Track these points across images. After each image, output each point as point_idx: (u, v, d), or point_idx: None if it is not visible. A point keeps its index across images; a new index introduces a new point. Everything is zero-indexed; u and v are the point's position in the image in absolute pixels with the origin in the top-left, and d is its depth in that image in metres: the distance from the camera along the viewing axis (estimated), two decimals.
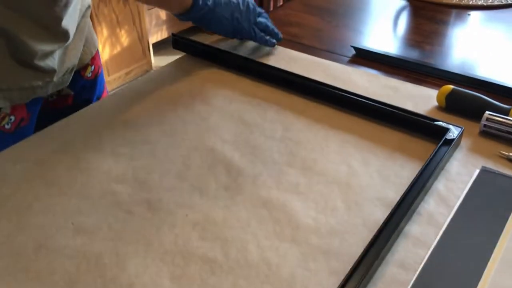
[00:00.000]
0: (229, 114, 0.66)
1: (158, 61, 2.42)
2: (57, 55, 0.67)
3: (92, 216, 0.50)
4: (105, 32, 2.05)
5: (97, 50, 0.83)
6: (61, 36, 0.65)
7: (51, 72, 0.68)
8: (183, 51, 0.80)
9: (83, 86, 0.80)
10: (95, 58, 0.81)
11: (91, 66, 0.80)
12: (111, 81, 2.15)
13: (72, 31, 0.67)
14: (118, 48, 2.14)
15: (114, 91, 0.74)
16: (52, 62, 0.67)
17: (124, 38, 2.15)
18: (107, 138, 0.61)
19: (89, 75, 0.81)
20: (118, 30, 2.11)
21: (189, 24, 2.58)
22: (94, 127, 0.63)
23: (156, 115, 0.65)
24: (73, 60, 0.72)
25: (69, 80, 0.74)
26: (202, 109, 0.67)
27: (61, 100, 0.79)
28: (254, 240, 0.47)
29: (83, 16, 0.73)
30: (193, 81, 0.72)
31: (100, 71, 0.84)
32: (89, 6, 0.75)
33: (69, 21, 0.66)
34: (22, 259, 0.45)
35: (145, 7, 2.19)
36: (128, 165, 0.57)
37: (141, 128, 0.63)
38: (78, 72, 0.78)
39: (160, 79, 0.73)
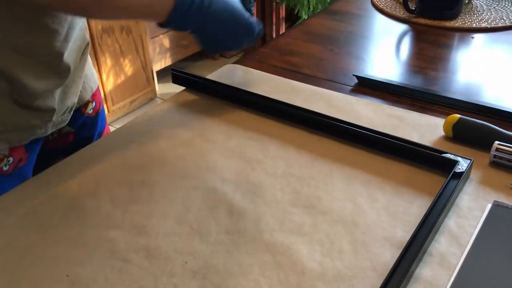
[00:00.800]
0: (230, 150, 0.64)
1: (163, 88, 2.43)
2: (57, 94, 0.67)
3: (88, 266, 0.47)
4: (108, 62, 2.06)
5: (98, 86, 0.82)
6: (63, 72, 0.65)
7: (51, 111, 0.67)
8: (183, 85, 0.79)
9: (84, 124, 0.79)
10: (95, 94, 0.81)
11: (92, 103, 0.80)
12: (116, 110, 2.16)
13: (73, 67, 0.67)
14: (122, 77, 2.15)
15: (112, 131, 0.73)
16: (52, 101, 0.66)
17: (128, 67, 2.16)
18: (105, 181, 0.59)
19: (90, 111, 0.80)
20: (122, 59, 2.12)
21: (192, 50, 2.60)
22: (91, 170, 0.61)
23: (155, 154, 0.64)
24: (73, 98, 0.71)
25: (69, 119, 0.73)
26: (202, 147, 0.65)
27: (62, 139, 0.78)
28: None
29: (82, 54, 0.73)
30: (193, 117, 0.71)
31: (101, 107, 0.83)
32: (88, 44, 0.74)
33: (70, 57, 0.66)
34: None
35: (148, 36, 2.21)
36: (126, 209, 0.55)
37: (140, 169, 0.61)
38: (79, 110, 0.77)
39: (159, 117, 0.72)
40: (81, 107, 0.77)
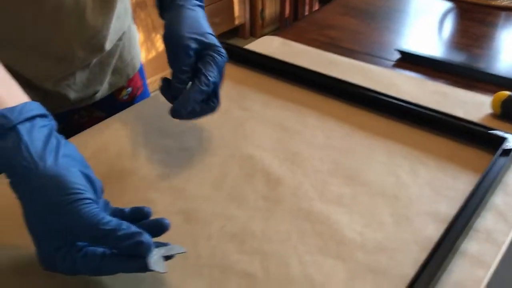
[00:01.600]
0: (267, 120, 0.63)
1: None
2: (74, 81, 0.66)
3: None
4: (141, 37, 2.06)
5: (139, 72, 0.79)
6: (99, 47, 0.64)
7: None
8: None
9: (117, 109, 0.74)
10: (133, 80, 0.77)
11: (127, 88, 0.77)
12: (147, 85, 2.17)
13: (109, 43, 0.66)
14: (153, 53, 2.15)
15: (149, 97, 0.73)
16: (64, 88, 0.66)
17: (160, 43, 2.16)
18: (142, 144, 0.59)
19: (125, 97, 0.77)
20: (154, 34, 2.12)
21: (224, 28, 2.58)
22: (128, 134, 0.61)
23: (192, 122, 0.63)
24: (95, 86, 0.70)
25: (92, 101, 0.71)
26: (239, 115, 0.64)
27: (93, 122, 0.77)
28: (295, 255, 0.44)
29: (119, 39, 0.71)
30: (229, 86, 0.70)
31: (139, 92, 0.80)
32: (123, 34, 0.72)
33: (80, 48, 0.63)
34: None
35: None
36: (164, 173, 0.55)
37: (177, 135, 0.61)
38: (112, 95, 0.75)
39: None
40: (115, 92, 0.75)
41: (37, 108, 0.41)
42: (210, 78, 0.52)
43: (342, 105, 0.66)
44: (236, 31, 2.70)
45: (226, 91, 0.69)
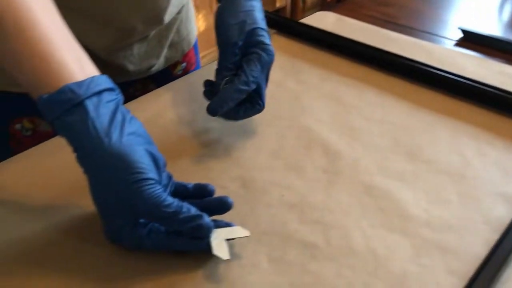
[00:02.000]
0: (324, 93, 0.62)
1: None
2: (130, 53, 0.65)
3: None
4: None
5: (193, 47, 0.78)
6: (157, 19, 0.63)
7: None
8: (274, 28, 0.77)
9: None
10: (187, 55, 0.77)
11: (182, 63, 0.76)
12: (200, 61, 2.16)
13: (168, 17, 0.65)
14: (204, 27, 2.14)
15: (201, 68, 0.72)
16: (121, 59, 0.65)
17: (201, 23, 2.16)
18: (198, 112, 0.58)
19: (179, 72, 0.76)
20: (196, 14, 2.12)
21: (268, 7, 2.55)
22: (184, 101, 0.61)
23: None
24: (151, 61, 0.69)
25: (147, 74, 0.70)
26: (295, 88, 0.63)
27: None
28: (358, 228, 0.43)
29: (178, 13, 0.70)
30: (284, 59, 0.69)
31: (193, 67, 0.79)
32: (182, 7, 0.71)
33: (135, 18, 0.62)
34: None
35: None
36: (220, 140, 0.54)
37: None
38: (168, 69, 0.74)
39: None
40: (170, 66, 0.75)
41: (105, 81, 0.40)
42: (250, 77, 0.49)
43: (402, 82, 0.63)
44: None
45: (280, 64, 0.68)
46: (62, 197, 0.46)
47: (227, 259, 0.38)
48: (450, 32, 0.76)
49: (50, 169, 0.49)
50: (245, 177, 0.49)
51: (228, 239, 0.39)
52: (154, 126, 0.56)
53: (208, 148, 0.53)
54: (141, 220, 0.39)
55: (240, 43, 0.50)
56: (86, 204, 0.45)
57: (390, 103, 0.60)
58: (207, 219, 0.39)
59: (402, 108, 0.59)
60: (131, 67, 0.66)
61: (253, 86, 0.49)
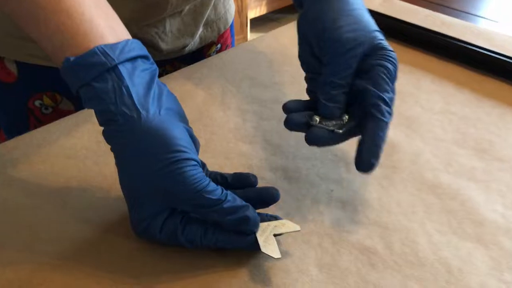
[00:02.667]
0: None
1: (254, 37, 2.35)
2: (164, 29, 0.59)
3: None
4: None
5: (230, 28, 0.71)
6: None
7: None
8: None
9: None
10: (223, 36, 0.70)
11: (217, 45, 0.69)
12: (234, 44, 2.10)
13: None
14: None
15: (235, 46, 0.66)
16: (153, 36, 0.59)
17: None
18: (232, 93, 0.52)
19: (213, 54, 0.70)
20: None
21: (289, 1, 2.48)
22: (216, 80, 0.54)
23: (287, 73, 0.56)
24: (185, 40, 0.62)
25: (178, 55, 0.65)
26: None
27: None
28: (423, 233, 0.37)
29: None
30: None
31: (227, 49, 0.72)
32: None
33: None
34: None
35: None
36: (258, 125, 0.48)
37: (270, 86, 0.54)
38: (201, 50, 0.68)
39: (282, 39, 0.64)
40: (204, 48, 0.68)
41: (139, 48, 0.35)
42: (390, 103, 0.37)
43: (461, 69, 0.56)
44: None
45: None
46: (81, 180, 0.41)
47: (278, 258, 0.32)
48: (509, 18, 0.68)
49: (69, 148, 0.44)
50: (288, 167, 0.43)
51: (275, 235, 0.33)
52: (184, 108, 0.50)
53: (244, 133, 0.47)
54: (177, 210, 0.34)
55: (360, 50, 0.38)
56: (107, 188, 0.39)
57: (450, 91, 0.53)
58: (253, 211, 0.33)
59: (464, 98, 0.52)
60: (163, 45, 0.60)
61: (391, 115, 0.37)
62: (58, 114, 0.59)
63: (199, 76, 0.55)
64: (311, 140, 0.37)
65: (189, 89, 0.52)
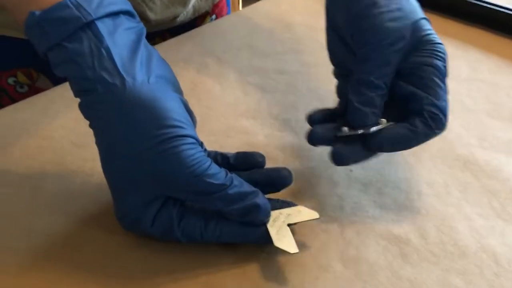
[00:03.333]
0: None
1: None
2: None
3: None
4: None
5: None
6: None
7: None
8: None
9: None
10: (218, 6, 0.64)
11: (211, 16, 0.63)
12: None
13: None
14: None
15: (232, 13, 0.59)
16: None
17: None
18: (230, 63, 0.46)
19: None
20: None
21: None
22: (212, 49, 0.48)
23: (289, 40, 0.50)
24: (175, 9, 0.56)
25: (168, 27, 0.58)
26: None
27: None
28: (462, 217, 0.31)
29: None
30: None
31: None
32: None
33: None
34: None
35: None
36: (261, 98, 0.42)
37: (272, 56, 0.48)
38: (193, 21, 0.63)
39: (283, 5, 0.57)
40: (197, 19, 0.63)
41: (122, 1, 0.29)
42: (447, 113, 0.30)
43: (487, 34, 0.50)
44: None
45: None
46: (57, 164, 0.35)
47: (294, 253, 0.27)
48: None
49: (43, 128, 0.38)
50: (299, 144, 0.37)
51: (289, 225, 0.28)
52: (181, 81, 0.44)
53: (245, 107, 0.41)
54: (172, 198, 0.28)
55: (403, 44, 0.30)
56: (89, 172, 0.34)
57: (476, 57, 0.47)
58: (263, 197, 0.27)
59: (492, 64, 0.46)
60: (151, 15, 0.53)
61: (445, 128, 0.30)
62: (35, 93, 0.53)
63: (191, 46, 0.49)
64: (337, 160, 0.30)
65: (180, 60, 0.46)
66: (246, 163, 0.31)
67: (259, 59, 0.47)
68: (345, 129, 0.30)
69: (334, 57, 0.35)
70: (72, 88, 0.28)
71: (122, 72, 0.26)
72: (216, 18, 0.63)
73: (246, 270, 0.28)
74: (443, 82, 0.30)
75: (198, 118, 0.34)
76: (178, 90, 0.30)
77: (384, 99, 0.30)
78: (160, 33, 0.57)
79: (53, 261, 0.28)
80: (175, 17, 0.56)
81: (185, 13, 0.57)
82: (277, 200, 0.29)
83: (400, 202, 0.32)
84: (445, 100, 0.30)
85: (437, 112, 0.29)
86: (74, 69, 0.26)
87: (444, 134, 0.38)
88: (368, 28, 0.30)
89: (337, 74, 0.35)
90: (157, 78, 0.28)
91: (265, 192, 0.28)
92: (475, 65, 0.46)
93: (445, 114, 0.30)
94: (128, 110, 0.26)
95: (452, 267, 0.28)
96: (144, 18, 0.52)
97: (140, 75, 0.27)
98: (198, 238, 0.27)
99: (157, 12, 0.53)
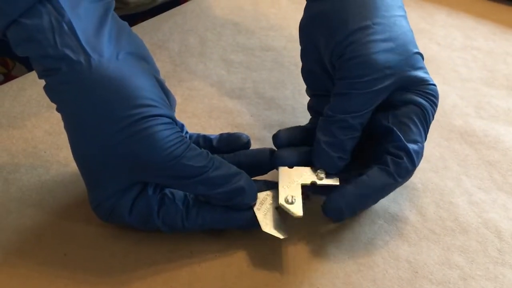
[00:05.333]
0: None
1: None
2: None
3: None
4: None
5: None
6: None
7: None
8: None
9: None
10: None
11: None
12: None
13: None
14: None
15: None
16: None
17: None
18: (213, 41, 0.44)
19: None
20: None
21: None
22: (194, 28, 0.46)
23: (273, 16, 0.48)
24: None
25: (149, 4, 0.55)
26: None
27: None
28: (461, 191, 0.29)
29: None
30: None
31: None
32: None
33: None
34: None
35: None
36: (246, 76, 0.40)
37: (257, 32, 0.45)
38: (176, 1, 0.59)
39: None
40: None
41: None
42: (416, 160, 0.25)
43: (481, 0, 0.48)
44: None
45: None
46: (29, 154, 0.32)
47: (284, 238, 0.25)
48: None
49: (14, 116, 0.35)
50: (286, 123, 0.35)
51: (278, 208, 0.26)
52: (156, 60, 0.41)
53: (229, 87, 0.39)
54: (151, 184, 0.26)
55: (391, 82, 0.26)
56: (63, 162, 0.32)
57: (469, 25, 0.45)
58: (249, 179, 0.25)
59: (487, 31, 0.44)
60: None
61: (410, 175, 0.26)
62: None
63: (171, 25, 0.46)
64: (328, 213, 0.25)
65: (159, 41, 0.44)
66: (230, 145, 0.28)
67: (244, 37, 0.45)
68: (321, 175, 0.26)
69: (309, 78, 0.31)
70: (35, 69, 0.25)
71: (87, 49, 0.24)
72: None
73: (232, 258, 0.26)
74: (424, 125, 0.26)
75: (179, 100, 0.32)
76: (152, 67, 0.27)
77: (357, 141, 0.26)
78: (140, 14, 0.55)
79: (26, 256, 0.26)
80: None
81: None
82: (264, 181, 0.27)
83: None
84: (418, 145, 0.26)
85: (403, 155, 0.25)
86: (34, 48, 0.24)
87: (440, 104, 0.36)
88: (352, 58, 0.26)
89: (310, 94, 0.31)
90: (127, 54, 0.25)
91: (251, 175, 0.26)
92: (470, 33, 0.44)
93: (413, 162, 0.25)
94: (94, 90, 0.24)
95: (453, 244, 0.26)
96: (122, 1, 0.50)
97: (107, 51, 0.24)
98: (180, 227, 0.25)
99: None
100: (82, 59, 0.24)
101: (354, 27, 0.26)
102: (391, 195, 0.29)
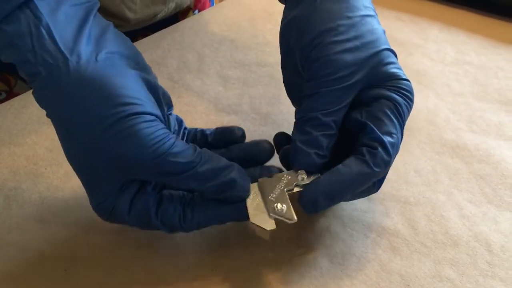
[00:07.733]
0: None
1: None
2: None
3: None
4: None
5: None
6: None
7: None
8: None
9: None
10: (200, 0, 0.61)
11: (194, 11, 0.61)
12: None
13: None
14: None
15: (214, 6, 0.58)
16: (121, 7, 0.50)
17: None
18: (210, 57, 0.45)
19: None
20: None
21: None
22: (191, 44, 0.47)
23: (269, 32, 0.49)
24: (155, 8, 0.54)
25: (149, 22, 0.56)
26: None
27: None
28: (452, 205, 0.30)
29: None
30: None
31: None
32: None
33: None
34: None
35: None
36: (243, 92, 0.41)
37: (254, 48, 0.46)
38: (176, 17, 0.61)
39: None
40: (179, 14, 0.61)
41: None
42: (391, 151, 0.25)
43: (471, 15, 0.49)
44: None
45: None
46: (30, 171, 0.33)
47: (271, 230, 0.24)
48: None
49: (15, 134, 0.36)
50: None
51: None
52: (162, 79, 0.42)
53: (226, 102, 0.40)
54: (147, 182, 0.26)
55: (358, 78, 0.27)
56: (63, 178, 0.32)
57: (461, 39, 0.46)
58: (241, 170, 0.25)
59: (477, 45, 0.45)
60: (130, 14, 0.51)
61: (387, 169, 0.26)
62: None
63: (170, 42, 0.47)
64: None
65: (158, 57, 0.45)
66: (224, 139, 0.29)
67: (241, 53, 0.46)
68: (303, 176, 0.26)
69: (291, 89, 0.31)
70: (21, 75, 0.26)
71: (65, 52, 0.24)
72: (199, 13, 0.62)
73: (228, 273, 0.26)
74: (398, 118, 0.26)
75: (182, 113, 0.33)
76: (138, 66, 0.27)
77: (333, 139, 0.27)
78: (140, 30, 0.56)
79: (27, 273, 0.27)
80: (156, 15, 0.54)
81: (166, 9, 0.56)
82: (255, 168, 0.27)
83: (387, 192, 0.31)
84: (394, 137, 0.26)
85: (378, 147, 0.25)
86: (15, 53, 0.24)
87: (432, 119, 0.37)
88: (317, 59, 0.27)
89: (294, 103, 0.31)
90: (109, 54, 0.25)
91: (247, 167, 0.27)
92: (461, 47, 0.45)
93: (389, 153, 0.25)
94: (75, 92, 0.24)
95: (444, 257, 0.27)
96: (122, 18, 0.51)
97: (85, 53, 0.25)
98: (179, 227, 0.26)
99: (137, 11, 0.51)
100: (60, 63, 0.24)
101: (319, 30, 0.27)
102: (383, 208, 0.30)
